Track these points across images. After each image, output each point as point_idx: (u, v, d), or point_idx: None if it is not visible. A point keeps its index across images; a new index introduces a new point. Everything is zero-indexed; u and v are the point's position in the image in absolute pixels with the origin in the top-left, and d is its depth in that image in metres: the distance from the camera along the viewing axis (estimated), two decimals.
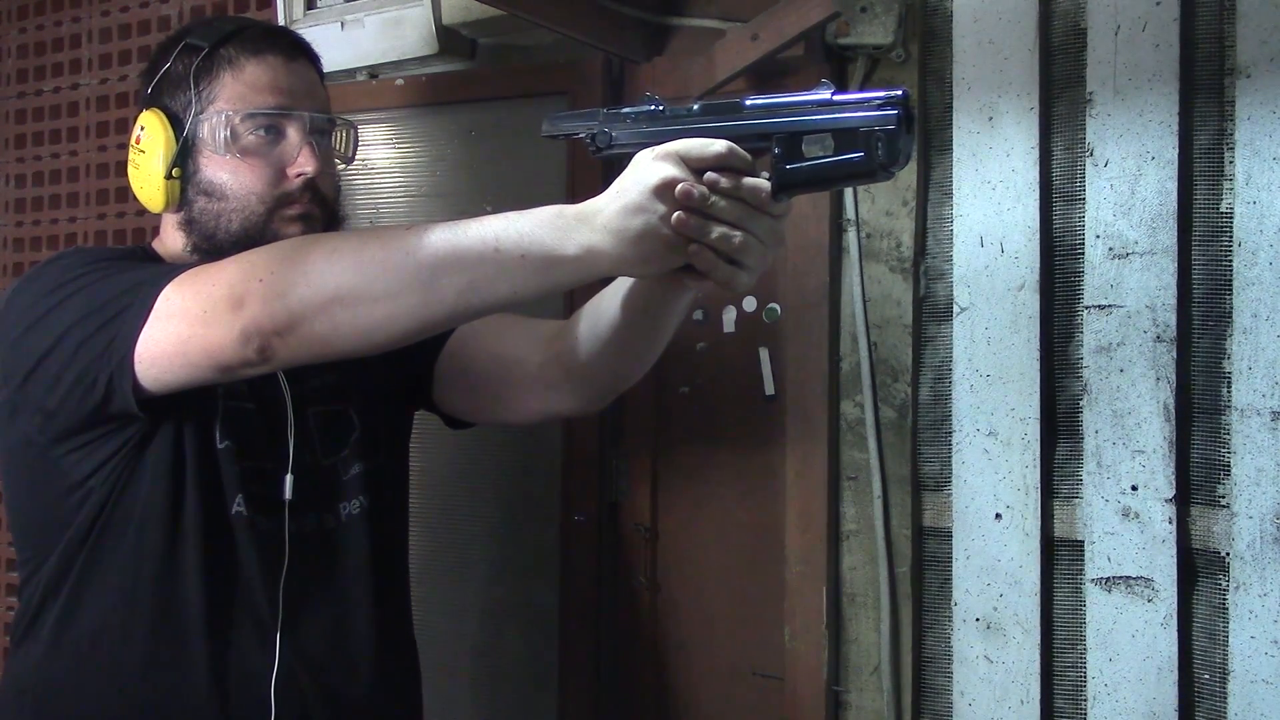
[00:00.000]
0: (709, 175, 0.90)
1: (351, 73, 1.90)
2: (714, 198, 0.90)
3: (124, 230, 2.37)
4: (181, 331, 1.01)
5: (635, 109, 0.98)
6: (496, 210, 0.96)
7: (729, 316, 1.65)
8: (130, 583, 1.13)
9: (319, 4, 1.94)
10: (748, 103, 0.93)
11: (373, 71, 1.89)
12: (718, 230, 0.91)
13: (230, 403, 1.16)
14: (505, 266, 0.93)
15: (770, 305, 1.61)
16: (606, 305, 1.14)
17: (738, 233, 0.91)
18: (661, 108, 0.97)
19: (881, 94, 0.88)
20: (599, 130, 0.99)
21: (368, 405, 1.29)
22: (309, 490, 1.21)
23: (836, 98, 0.90)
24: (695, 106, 0.95)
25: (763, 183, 0.91)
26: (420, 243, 0.95)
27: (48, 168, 2.51)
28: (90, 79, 2.44)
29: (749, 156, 0.91)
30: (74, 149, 2.47)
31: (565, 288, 0.98)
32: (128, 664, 1.13)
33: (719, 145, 0.90)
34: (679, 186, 0.89)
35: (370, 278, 0.95)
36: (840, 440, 1.58)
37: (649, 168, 0.90)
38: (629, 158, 0.93)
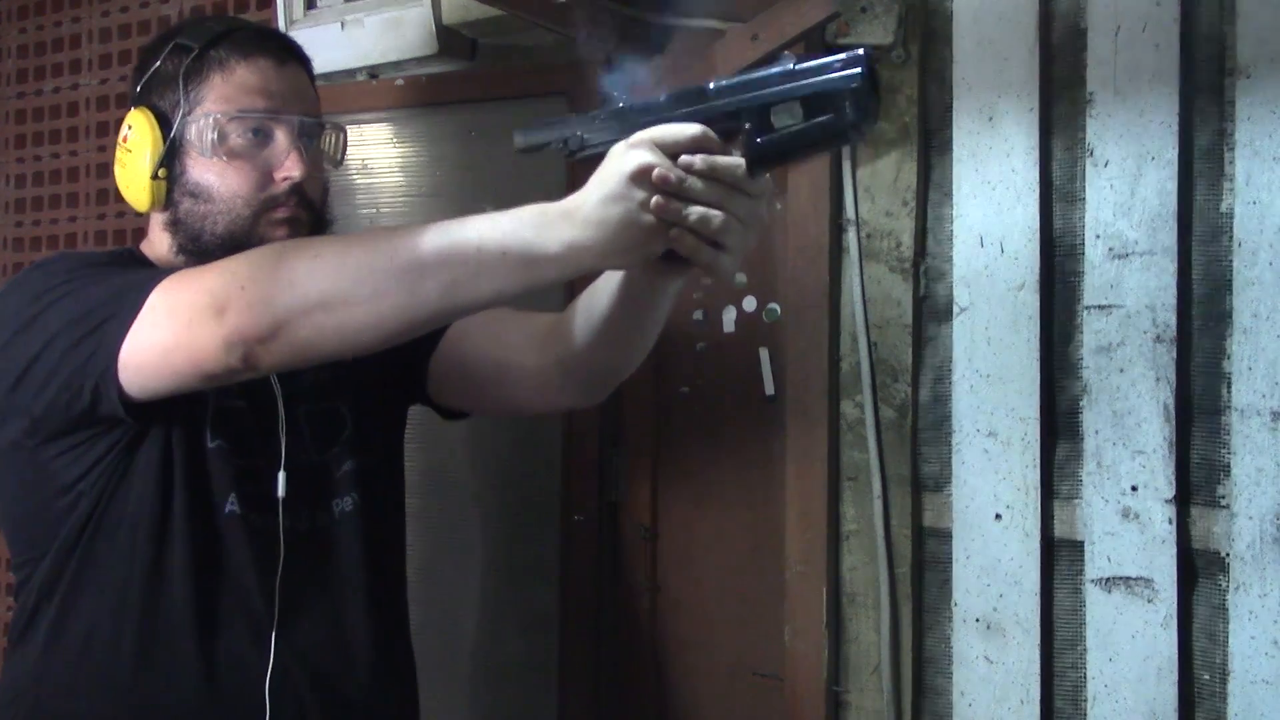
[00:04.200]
0: (684, 158, 0.90)
1: (351, 73, 1.90)
2: (690, 179, 0.90)
3: (124, 230, 2.37)
4: (166, 340, 1.01)
5: (602, 110, 0.98)
6: (496, 210, 0.97)
7: (729, 316, 1.65)
8: (122, 584, 1.14)
9: (319, 4, 1.94)
10: (712, 85, 0.93)
11: (373, 71, 1.89)
12: (697, 212, 0.91)
13: (221, 402, 1.16)
14: (488, 265, 0.93)
15: (770, 305, 1.61)
16: (598, 299, 1.14)
17: (717, 213, 0.91)
18: (627, 104, 0.97)
19: (843, 56, 0.88)
20: (570, 134, 0.99)
21: (360, 402, 1.29)
22: (302, 487, 1.21)
23: (799, 66, 0.89)
24: (662, 98, 0.95)
25: (737, 160, 0.91)
26: (402, 244, 0.95)
27: (48, 168, 2.51)
28: (90, 79, 2.44)
29: (718, 139, 0.91)
30: (74, 149, 2.47)
31: (550, 285, 0.98)
32: (122, 665, 1.13)
33: (693, 129, 0.90)
34: (655, 171, 0.89)
35: (353, 281, 0.95)
36: (840, 440, 1.57)
37: (625, 156, 0.90)
38: (604, 156, 0.93)
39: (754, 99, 0.91)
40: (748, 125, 0.91)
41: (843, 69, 0.87)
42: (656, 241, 0.92)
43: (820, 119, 0.88)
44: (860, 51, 0.88)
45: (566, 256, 0.92)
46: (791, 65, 0.90)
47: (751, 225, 0.94)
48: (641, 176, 0.89)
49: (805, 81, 0.89)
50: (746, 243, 0.94)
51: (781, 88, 0.90)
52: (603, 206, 0.90)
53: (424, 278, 0.94)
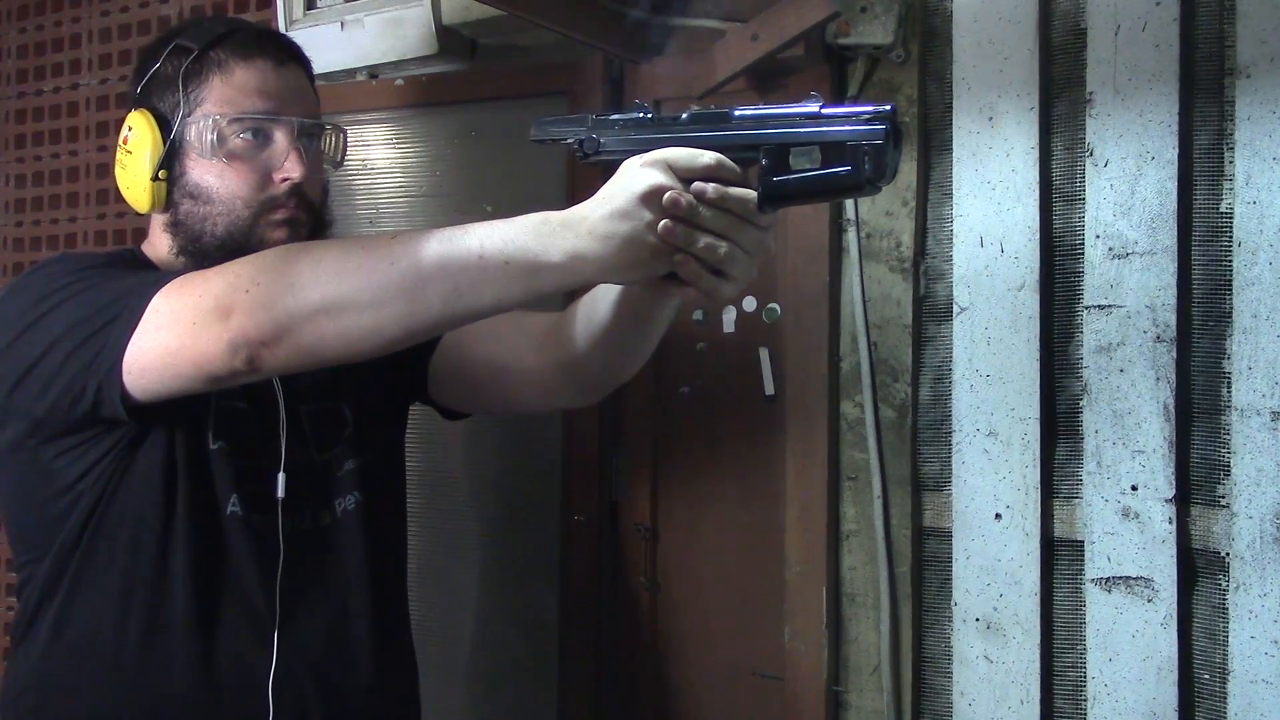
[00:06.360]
0: (696, 185, 0.89)
1: (351, 73, 1.90)
2: (701, 207, 0.89)
3: (124, 230, 2.37)
4: (169, 343, 1.01)
5: (623, 115, 0.98)
6: (496, 211, 0.96)
7: (729, 316, 1.65)
8: (124, 584, 1.14)
9: (319, 4, 1.94)
10: (736, 113, 0.93)
11: (373, 71, 1.89)
12: (704, 240, 0.90)
13: (222, 402, 1.16)
14: (489, 274, 0.93)
15: (770, 305, 1.61)
16: (598, 306, 1.14)
17: (723, 243, 0.91)
18: (650, 115, 0.97)
19: (870, 108, 0.88)
20: (586, 136, 0.99)
21: (360, 401, 1.29)
22: (303, 487, 1.21)
23: (825, 110, 0.89)
24: (684, 115, 0.95)
25: (750, 193, 0.90)
26: (404, 251, 0.95)
27: (48, 168, 2.51)
28: (90, 79, 2.44)
29: (738, 169, 0.91)
30: (74, 149, 2.47)
31: (551, 294, 0.97)
32: (124, 665, 1.14)
33: (708, 157, 0.90)
34: (666, 195, 0.89)
35: (355, 287, 0.95)
36: (840, 440, 1.58)
37: (637, 174, 0.90)
38: (618, 164, 0.93)
39: (775, 136, 0.90)
40: (764, 161, 0.90)
41: (867, 122, 0.87)
42: (660, 263, 0.92)
43: (838, 169, 0.88)
44: (887, 107, 0.87)
45: (568, 266, 0.91)
46: (818, 108, 0.90)
47: (756, 256, 0.94)
48: (652, 198, 0.89)
49: (829, 129, 0.88)
50: (750, 273, 0.94)
51: (804, 130, 0.89)
52: (609, 221, 0.90)
53: (426, 285, 0.94)
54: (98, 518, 1.13)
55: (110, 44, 2.42)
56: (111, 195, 2.37)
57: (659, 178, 0.89)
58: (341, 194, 1.86)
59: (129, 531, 1.13)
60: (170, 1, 2.31)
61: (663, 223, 0.89)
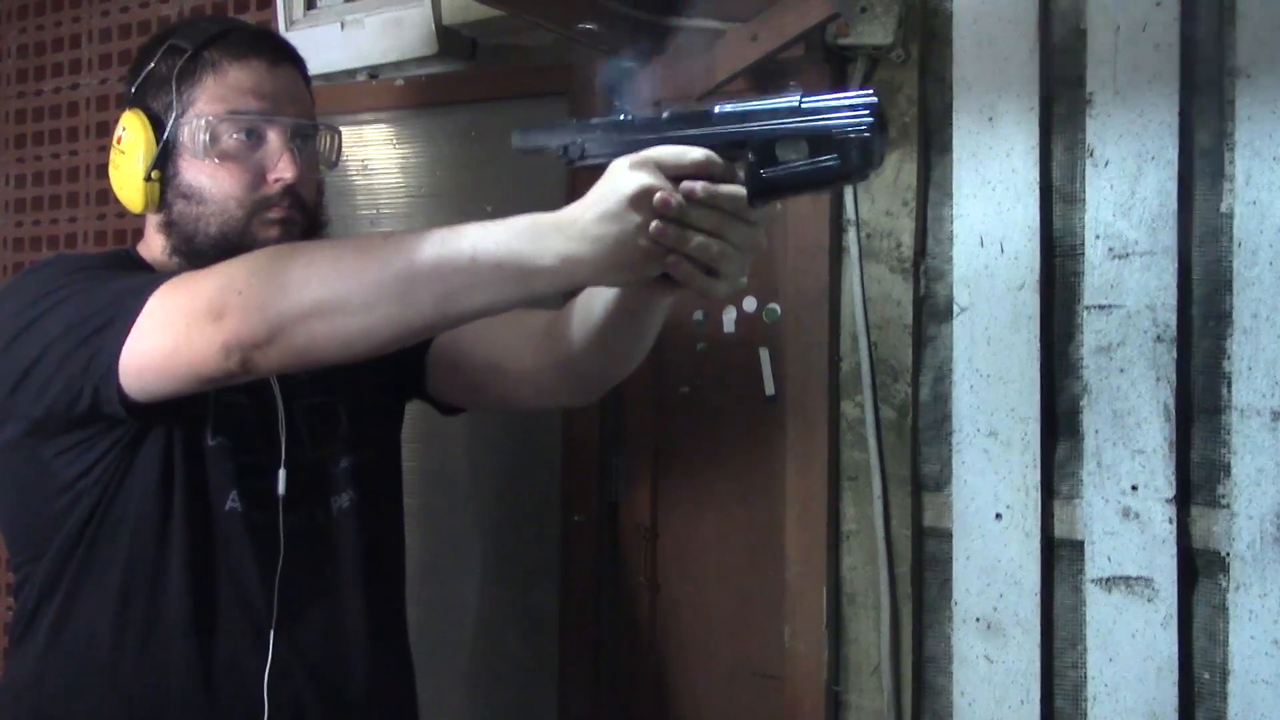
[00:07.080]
0: (685, 184, 0.89)
1: (351, 73, 1.90)
2: (691, 207, 0.89)
3: (124, 230, 2.37)
4: (164, 345, 1.01)
5: (604, 119, 0.97)
6: (496, 211, 0.96)
7: (729, 316, 1.65)
8: (124, 584, 1.14)
9: (319, 4, 1.94)
10: (718, 110, 0.92)
11: (373, 71, 1.89)
12: (695, 239, 0.90)
13: (222, 398, 1.16)
14: (481, 277, 0.92)
15: (770, 305, 1.61)
16: (594, 306, 1.14)
17: (715, 241, 0.90)
18: (630, 116, 0.96)
19: (853, 96, 0.87)
20: (571, 142, 0.98)
21: (355, 398, 1.29)
22: (300, 484, 1.21)
23: (805, 103, 0.89)
24: (665, 115, 0.94)
25: (740, 189, 0.90)
26: (396, 253, 0.94)
27: (48, 168, 2.51)
28: (90, 79, 2.44)
29: (724, 164, 0.90)
30: (74, 149, 2.47)
31: (544, 296, 0.96)
32: (122, 665, 1.14)
33: (697, 153, 0.89)
34: (656, 195, 0.88)
35: (347, 289, 0.95)
36: (840, 440, 1.58)
37: (625, 176, 0.89)
38: (604, 168, 0.92)
39: (761, 131, 0.89)
40: (752, 156, 0.89)
41: (851, 113, 0.86)
42: (652, 264, 0.92)
43: (825, 160, 0.87)
44: (870, 94, 0.87)
45: (561, 269, 0.91)
46: (798, 101, 0.89)
47: (749, 252, 0.93)
48: (642, 199, 0.88)
49: (814, 120, 0.88)
50: (743, 269, 0.94)
51: (790, 123, 0.88)
52: (599, 224, 0.89)
53: (418, 288, 0.94)
54: (98, 516, 1.13)
55: (110, 44, 2.42)
56: (111, 195, 2.37)
57: (647, 179, 0.88)
58: (341, 194, 1.85)
59: (129, 530, 1.13)
60: (170, 1, 2.31)
61: (654, 224, 0.89)
